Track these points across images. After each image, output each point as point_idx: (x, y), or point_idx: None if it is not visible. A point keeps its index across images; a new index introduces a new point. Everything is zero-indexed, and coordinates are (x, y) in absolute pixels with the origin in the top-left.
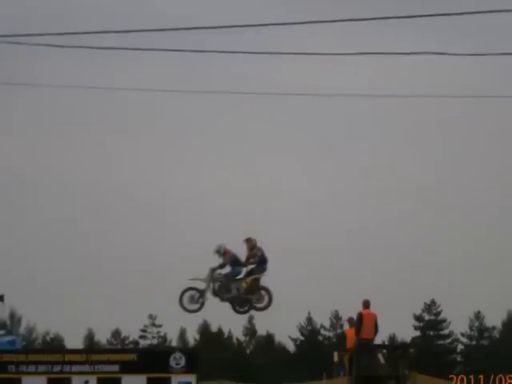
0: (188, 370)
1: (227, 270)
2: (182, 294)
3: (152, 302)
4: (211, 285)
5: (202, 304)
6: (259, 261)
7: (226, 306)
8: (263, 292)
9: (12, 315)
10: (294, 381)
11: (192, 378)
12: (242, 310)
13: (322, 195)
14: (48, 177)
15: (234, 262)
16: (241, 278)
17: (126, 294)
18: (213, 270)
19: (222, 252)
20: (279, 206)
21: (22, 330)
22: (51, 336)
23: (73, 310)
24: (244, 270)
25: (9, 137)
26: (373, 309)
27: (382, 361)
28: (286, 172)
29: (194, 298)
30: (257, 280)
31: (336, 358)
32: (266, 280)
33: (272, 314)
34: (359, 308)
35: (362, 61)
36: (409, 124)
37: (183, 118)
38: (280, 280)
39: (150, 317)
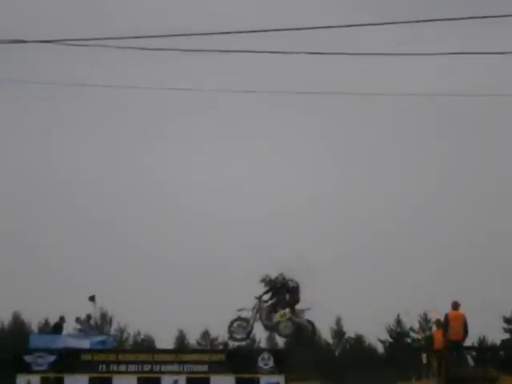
0: (276, 370)
1: (272, 298)
2: (231, 324)
3: (241, 303)
4: (257, 315)
5: (249, 333)
6: (290, 292)
7: (313, 306)
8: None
9: (103, 315)
10: (383, 383)
11: (280, 378)
12: (286, 334)
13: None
14: (115, 178)
15: (278, 291)
16: (282, 308)
17: (215, 295)
18: (258, 299)
19: (268, 281)
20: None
21: (113, 330)
22: (142, 337)
23: (163, 310)
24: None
25: (56, 137)
26: (462, 310)
27: (472, 363)
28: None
29: (241, 328)
30: (294, 311)
31: (425, 360)
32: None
33: (361, 316)
34: (449, 310)
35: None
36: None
37: (239, 119)
38: (368, 282)
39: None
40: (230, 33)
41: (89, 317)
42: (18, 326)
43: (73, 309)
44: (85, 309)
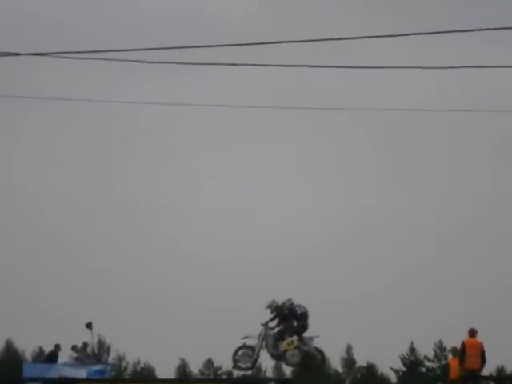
0: None
1: (279, 325)
2: (236, 352)
3: (246, 331)
4: (263, 342)
5: (255, 361)
6: (298, 319)
7: (322, 334)
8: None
9: (101, 343)
10: None
11: None
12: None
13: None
14: (115, 205)
15: (285, 318)
16: (289, 336)
17: (219, 322)
18: (264, 326)
19: (274, 307)
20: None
21: (111, 359)
22: (141, 366)
23: (164, 338)
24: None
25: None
26: (480, 338)
27: None
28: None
29: (247, 356)
30: (302, 339)
31: None
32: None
33: (373, 343)
34: (465, 337)
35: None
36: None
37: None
38: (381, 308)
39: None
40: (229, 45)
41: (86, 345)
42: (11, 355)
43: (69, 336)
44: (81, 336)
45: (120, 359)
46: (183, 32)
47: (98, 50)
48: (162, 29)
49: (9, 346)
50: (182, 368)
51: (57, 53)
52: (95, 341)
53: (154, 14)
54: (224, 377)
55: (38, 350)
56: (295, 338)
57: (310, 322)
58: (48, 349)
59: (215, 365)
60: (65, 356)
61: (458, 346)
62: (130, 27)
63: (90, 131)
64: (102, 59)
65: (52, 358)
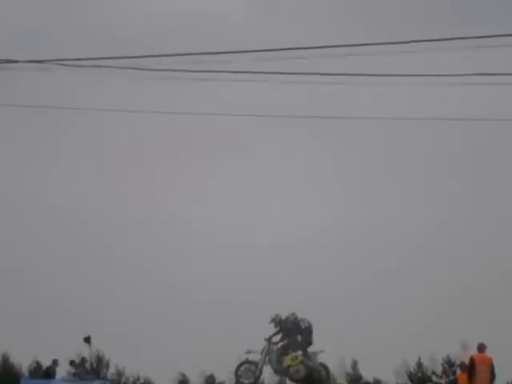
0: None
1: (283, 340)
2: (238, 367)
3: (249, 345)
4: (266, 358)
5: (258, 377)
6: (302, 333)
7: (327, 348)
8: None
9: (99, 358)
10: None
11: None
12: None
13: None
14: (112, 215)
15: (289, 332)
16: (293, 351)
17: (220, 336)
18: (268, 341)
19: (278, 321)
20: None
21: (110, 374)
22: (141, 381)
23: (164, 352)
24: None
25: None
26: (489, 353)
27: None
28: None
29: (249, 372)
30: (306, 354)
31: None
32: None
33: (380, 359)
34: (474, 352)
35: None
36: None
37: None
38: (387, 322)
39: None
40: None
41: (84, 360)
42: (8, 369)
43: (66, 351)
44: (79, 351)
45: (119, 374)
46: (183, 40)
47: (97, 57)
48: (162, 36)
49: (5, 360)
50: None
51: (55, 60)
52: (94, 356)
53: (154, 19)
54: None
55: (34, 365)
56: (299, 353)
57: (315, 336)
58: (45, 363)
59: (217, 380)
60: (63, 371)
61: (467, 361)
62: (127, 35)
63: (87, 140)
64: (102, 66)
65: (49, 373)
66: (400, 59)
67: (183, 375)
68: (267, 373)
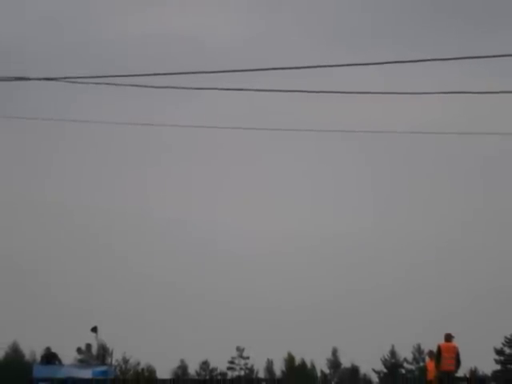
0: None
1: None
2: None
3: (240, 335)
4: None
5: None
6: None
7: (310, 338)
8: None
9: (104, 346)
10: None
11: None
12: None
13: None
14: (119, 214)
15: None
16: None
17: (215, 327)
18: None
19: None
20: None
21: (115, 360)
22: (143, 367)
23: (165, 341)
24: None
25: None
26: (455, 342)
27: None
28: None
29: None
30: None
31: None
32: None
33: (357, 347)
34: (441, 342)
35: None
36: None
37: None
38: (365, 316)
39: (238, 349)
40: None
41: (89, 346)
42: (19, 356)
43: (73, 339)
44: (85, 339)
45: (125, 361)
46: (178, 58)
47: (106, 75)
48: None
49: (15, 348)
50: (182, 369)
51: (67, 78)
52: (100, 343)
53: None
54: (219, 377)
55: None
56: None
57: (300, 327)
58: (54, 351)
59: (211, 366)
60: (70, 358)
61: (435, 350)
62: (132, 52)
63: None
64: (110, 84)
65: (49, 360)
66: None
67: (182, 361)
68: (256, 359)
